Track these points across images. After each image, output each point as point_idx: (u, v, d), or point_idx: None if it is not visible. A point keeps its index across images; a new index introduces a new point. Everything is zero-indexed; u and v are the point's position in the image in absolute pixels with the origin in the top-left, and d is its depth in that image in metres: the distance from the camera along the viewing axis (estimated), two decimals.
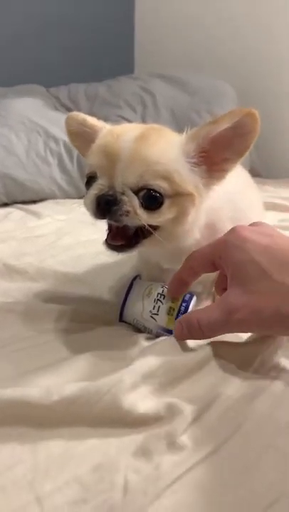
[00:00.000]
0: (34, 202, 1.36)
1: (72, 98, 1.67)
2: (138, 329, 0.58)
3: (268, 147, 1.57)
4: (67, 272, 0.77)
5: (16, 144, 1.38)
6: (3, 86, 1.59)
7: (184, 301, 0.55)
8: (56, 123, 1.41)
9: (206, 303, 0.62)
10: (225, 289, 0.49)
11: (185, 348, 0.50)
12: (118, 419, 0.41)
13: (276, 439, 0.40)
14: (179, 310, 0.54)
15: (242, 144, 0.50)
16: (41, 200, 1.39)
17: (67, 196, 1.42)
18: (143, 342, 0.53)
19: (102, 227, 0.54)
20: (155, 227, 0.51)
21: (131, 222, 0.49)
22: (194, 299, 0.57)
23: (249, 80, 1.78)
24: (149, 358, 0.47)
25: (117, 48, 2.07)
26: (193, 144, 0.51)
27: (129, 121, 1.47)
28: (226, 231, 0.51)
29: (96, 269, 0.80)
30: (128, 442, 0.39)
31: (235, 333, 0.53)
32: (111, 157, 0.49)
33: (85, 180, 0.52)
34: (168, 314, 0.55)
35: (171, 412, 0.42)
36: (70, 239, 0.99)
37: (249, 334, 0.54)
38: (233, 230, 0.50)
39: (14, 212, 1.25)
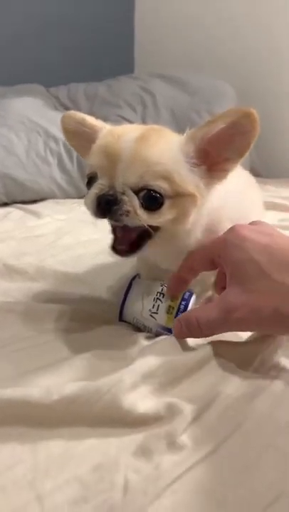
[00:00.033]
0: (34, 202, 1.36)
1: (72, 98, 1.67)
2: (138, 328, 0.58)
3: (268, 147, 1.57)
4: (67, 271, 0.77)
5: (15, 144, 1.38)
6: (3, 86, 1.59)
7: (183, 299, 0.55)
8: (56, 123, 1.39)
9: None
10: (224, 288, 0.49)
11: (185, 348, 0.50)
12: (118, 419, 0.41)
13: (276, 439, 0.40)
14: (179, 308, 0.54)
15: (242, 143, 0.49)
16: (41, 199, 1.39)
17: (67, 196, 1.42)
18: (143, 341, 0.53)
19: (102, 227, 0.54)
20: (156, 228, 0.51)
21: (131, 222, 0.49)
22: (194, 297, 0.57)
23: (249, 80, 1.78)
24: (149, 357, 0.47)
25: (117, 48, 2.07)
26: (193, 144, 0.51)
27: (129, 121, 1.47)
28: None
29: (96, 268, 0.80)
30: (128, 442, 0.39)
31: (235, 333, 0.53)
32: (112, 157, 0.49)
33: (86, 180, 0.53)
34: (167, 313, 0.55)
35: (171, 412, 0.42)
36: (69, 239, 0.99)
37: (249, 333, 0.54)
38: (232, 229, 0.50)
39: (14, 212, 1.25)
